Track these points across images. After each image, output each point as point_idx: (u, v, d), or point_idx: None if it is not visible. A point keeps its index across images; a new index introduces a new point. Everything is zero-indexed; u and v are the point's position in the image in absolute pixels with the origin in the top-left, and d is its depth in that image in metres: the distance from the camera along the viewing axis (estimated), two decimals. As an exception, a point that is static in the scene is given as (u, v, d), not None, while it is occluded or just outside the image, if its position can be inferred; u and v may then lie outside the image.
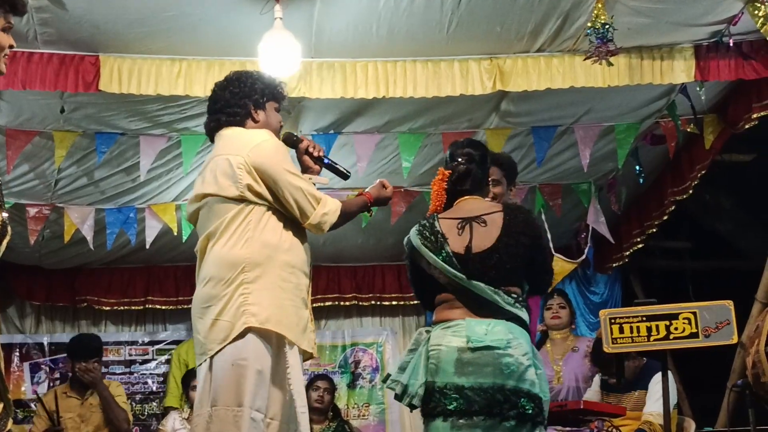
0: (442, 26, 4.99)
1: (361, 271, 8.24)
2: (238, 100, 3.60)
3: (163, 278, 8.04)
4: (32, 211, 6.60)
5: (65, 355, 7.60)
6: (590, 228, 7.09)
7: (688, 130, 6.05)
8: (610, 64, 4.88)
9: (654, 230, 7.16)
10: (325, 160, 3.74)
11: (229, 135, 3.57)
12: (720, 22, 5.07)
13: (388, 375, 3.51)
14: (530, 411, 3.28)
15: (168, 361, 7.95)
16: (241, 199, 3.42)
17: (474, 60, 5.25)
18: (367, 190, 3.73)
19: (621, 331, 4.32)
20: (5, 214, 2.50)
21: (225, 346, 3.32)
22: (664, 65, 5.26)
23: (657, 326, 4.27)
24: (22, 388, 7.86)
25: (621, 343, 4.35)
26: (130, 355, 8.14)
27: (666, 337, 4.27)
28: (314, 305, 8.08)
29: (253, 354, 3.32)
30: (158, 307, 8.07)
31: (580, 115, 5.98)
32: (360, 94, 5.24)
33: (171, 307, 8.05)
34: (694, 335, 4.22)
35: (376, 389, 8.15)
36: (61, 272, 7.88)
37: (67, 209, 6.68)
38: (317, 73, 5.20)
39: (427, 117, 5.92)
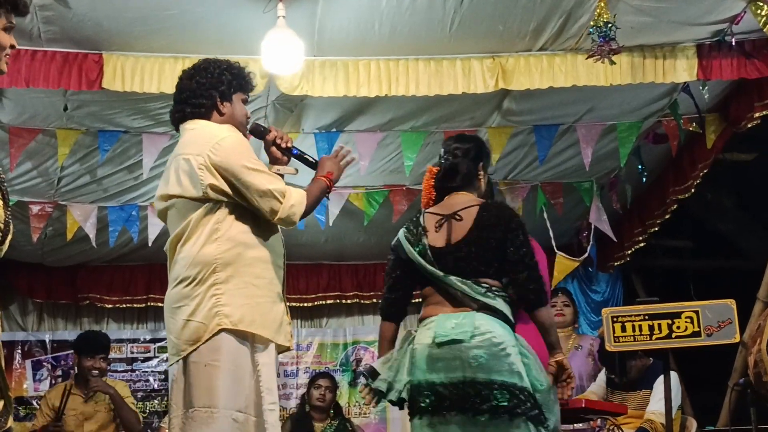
0: (445, 25, 4.99)
1: (362, 269, 8.25)
2: (204, 90, 3.48)
3: (165, 276, 7.87)
4: (35, 208, 6.61)
5: (67, 352, 7.65)
6: (592, 226, 7.10)
7: (690, 129, 6.05)
8: (612, 62, 4.87)
9: (656, 229, 7.15)
10: (294, 151, 3.60)
11: (192, 130, 3.47)
12: (722, 21, 5.07)
13: (372, 369, 3.49)
14: (505, 403, 3.19)
15: (169, 359, 7.95)
16: (205, 199, 3.34)
17: (476, 58, 5.25)
18: (322, 170, 3.52)
19: (623, 329, 4.33)
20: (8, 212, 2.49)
21: (198, 347, 3.28)
22: (666, 64, 5.26)
23: (659, 325, 4.28)
24: (24, 386, 7.88)
25: (623, 341, 4.36)
26: (132, 352, 8.15)
27: (668, 336, 4.28)
28: (316, 303, 8.27)
29: (227, 354, 3.26)
30: (160, 304, 7.86)
31: (582, 113, 5.98)
32: (362, 93, 5.24)
33: (173, 305, 8.04)
34: (696, 334, 4.23)
35: (377, 388, 8.14)
36: (64, 270, 7.89)
37: (70, 207, 6.69)
38: (320, 71, 5.20)
39: (430, 115, 5.92)
